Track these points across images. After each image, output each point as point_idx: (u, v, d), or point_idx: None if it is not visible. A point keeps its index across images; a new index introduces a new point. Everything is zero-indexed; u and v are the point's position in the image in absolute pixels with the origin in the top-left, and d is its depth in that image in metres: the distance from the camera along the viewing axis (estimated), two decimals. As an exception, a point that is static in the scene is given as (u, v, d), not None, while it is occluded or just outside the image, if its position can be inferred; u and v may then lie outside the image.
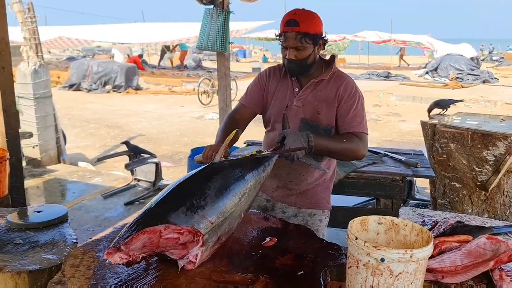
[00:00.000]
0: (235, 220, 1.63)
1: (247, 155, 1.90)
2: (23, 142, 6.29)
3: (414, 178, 4.31)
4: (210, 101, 13.14)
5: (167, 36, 15.84)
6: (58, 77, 19.18)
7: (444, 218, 1.82)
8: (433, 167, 3.56)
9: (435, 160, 3.72)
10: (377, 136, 8.81)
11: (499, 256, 1.51)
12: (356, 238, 1.29)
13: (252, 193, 1.74)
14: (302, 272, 1.48)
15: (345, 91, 2.06)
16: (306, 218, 2.20)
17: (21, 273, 1.52)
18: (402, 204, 4.78)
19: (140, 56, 21.69)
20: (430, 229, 1.75)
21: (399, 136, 9.09)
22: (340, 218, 3.04)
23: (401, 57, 27.71)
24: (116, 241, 1.32)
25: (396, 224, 1.46)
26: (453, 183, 3.52)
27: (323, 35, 2.04)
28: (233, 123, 2.11)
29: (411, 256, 1.23)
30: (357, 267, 1.30)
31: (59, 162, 6.57)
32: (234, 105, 2.59)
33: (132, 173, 5.54)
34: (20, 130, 5.89)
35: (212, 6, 4.82)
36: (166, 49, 21.81)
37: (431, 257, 1.63)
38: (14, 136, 2.69)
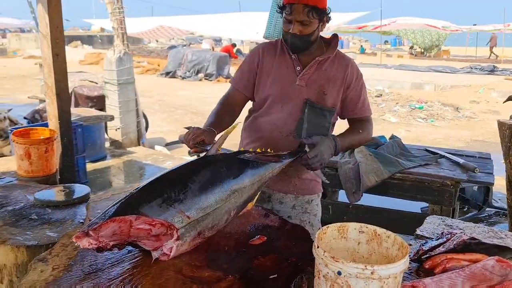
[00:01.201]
0: (222, 217, 1.57)
1: (251, 149, 1.83)
2: (108, 124, 6.81)
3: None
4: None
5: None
6: (158, 65, 20.41)
7: (461, 231, 1.60)
8: (509, 173, 3.17)
9: (511, 165, 3.31)
10: (467, 135, 8.11)
11: (507, 283, 1.30)
12: (318, 246, 1.18)
13: (247, 191, 1.66)
14: (276, 276, 1.40)
15: (352, 74, 1.96)
16: (304, 206, 2.07)
17: (20, 247, 1.64)
18: (477, 211, 4.36)
19: (234, 45, 22.16)
20: (440, 245, 1.56)
21: (493, 136, 8.24)
22: (384, 221, 2.85)
23: (491, 48, 25.20)
24: (86, 226, 1.36)
25: (379, 235, 1.31)
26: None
27: (328, 11, 1.90)
28: (227, 107, 2.00)
29: (372, 273, 1.10)
30: (319, 277, 1.20)
31: (139, 144, 6.99)
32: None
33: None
34: (103, 113, 6.40)
35: (280, -5, 4.74)
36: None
37: (432, 275, 1.46)
38: (66, 119, 2.90)
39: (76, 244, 1.36)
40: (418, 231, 1.85)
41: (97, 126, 6.03)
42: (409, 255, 1.61)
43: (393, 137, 3.39)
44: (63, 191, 2.18)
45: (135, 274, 1.39)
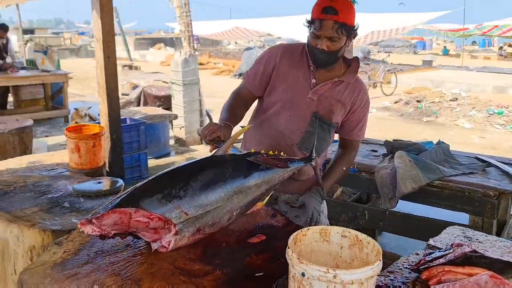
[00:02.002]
0: (223, 216, 1.62)
1: (262, 151, 1.85)
2: (174, 123, 7.16)
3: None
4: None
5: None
6: (233, 66, 20.93)
7: (467, 243, 1.51)
8: None
9: None
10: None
11: (498, 301, 1.22)
12: (289, 247, 1.20)
13: (253, 192, 1.69)
14: (261, 274, 1.43)
15: (361, 100, 2.00)
16: (305, 200, 2.04)
17: (46, 231, 1.82)
18: None
19: (308, 47, 22.06)
20: (442, 256, 1.49)
21: None
22: (421, 229, 2.78)
23: None
24: (90, 215, 1.49)
25: (360, 241, 1.30)
26: None
27: (356, 27, 1.86)
28: (239, 102, 2.03)
29: (334, 277, 1.10)
30: (289, 278, 1.22)
31: (201, 143, 7.25)
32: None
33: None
34: (168, 112, 6.73)
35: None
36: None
37: (422, 284, 1.40)
38: (115, 117, 3.12)
39: (80, 230, 1.51)
40: (431, 241, 1.78)
41: (161, 124, 6.35)
42: (411, 265, 1.57)
43: (439, 143, 3.23)
44: (99, 182, 2.37)
45: (132, 262, 1.49)
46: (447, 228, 1.90)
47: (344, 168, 2.11)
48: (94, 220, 1.45)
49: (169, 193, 1.53)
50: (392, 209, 2.92)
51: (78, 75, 14.37)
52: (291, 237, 1.25)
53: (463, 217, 2.82)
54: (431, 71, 17.27)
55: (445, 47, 33.78)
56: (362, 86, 2.03)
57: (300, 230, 1.30)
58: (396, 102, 11.36)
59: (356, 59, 2.03)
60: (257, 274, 1.44)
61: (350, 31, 1.85)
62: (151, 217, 1.47)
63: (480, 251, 1.45)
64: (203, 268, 1.46)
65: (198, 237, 1.60)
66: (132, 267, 1.46)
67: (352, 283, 1.11)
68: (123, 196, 1.52)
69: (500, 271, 1.41)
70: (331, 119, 1.98)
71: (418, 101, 10.78)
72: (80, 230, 1.47)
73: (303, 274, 1.13)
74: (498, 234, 3.04)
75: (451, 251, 1.53)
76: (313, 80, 1.94)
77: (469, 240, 1.79)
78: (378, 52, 29.10)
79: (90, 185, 2.34)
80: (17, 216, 1.93)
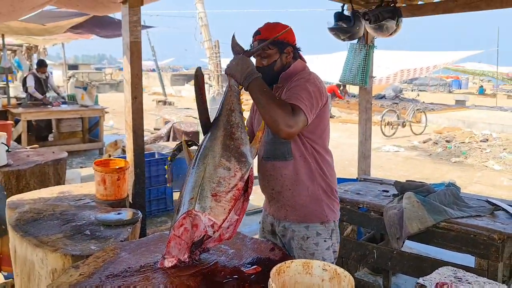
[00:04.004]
0: (215, 168, 1.82)
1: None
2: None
3: None
4: (394, 133, 12.74)
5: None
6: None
7: (450, 283, 1.60)
8: None
9: None
10: None
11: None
12: (270, 278, 1.34)
13: (217, 141, 1.90)
14: (252, 302, 1.57)
15: (295, 80, 2.07)
16: (300, 242, 2.13)
17: (67, 255, 2.02)
18: None
19: (338, 85, 22.31)
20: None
21: None
22: (428, 270, 2.83)
23: None
24: (162, 255, 1.82)
25: (338, 274, 1.43)
26: None
27: (293, 43, 2.10)
28: None
29: (307, 305, 1.23)
30: (271, 306, 1.35)
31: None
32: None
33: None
34: (195, 148, 6.99)
35: (356, 41, 4.90)
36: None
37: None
38: (140, 152, 3.35)
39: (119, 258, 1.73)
40: (420, 280, 1.87)
41: (188, 159, 6.61)
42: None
43: (449, 185, 3.29)
44: (119, 213, 2.57)
45: (138, 286, 1.66)
46: (440, 269, 1.98)
47: (278, 100, 1.90)
48: (165, 256, 1.79)
49: (179, 204, 1.83)
50: (401, 249, 2.99)
51: (115, 109, 15.01)
52: (274, 268, 1.39)
53: (470, 260, 2.85)
54: (463, 111, 17.08)
55: (481, 86, 33.27)
56: (302, 73, 2.12)
57: (284, 262, 1.44)
58: (425, 142, 11.29)
59: (299, 63, 2.17)
60: (248, 302, 1.57)
61: (280, 46, 2.09)
62: (181, 222, 1.75)
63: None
64: (201, 294, 1.61)
65: (227, 200, 1.78)
66: (136, 290, 1.63)
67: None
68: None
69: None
70: None
71: (447, 141, 10.70)
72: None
73: (281, 302, 1.27)
74: (509, 278, 3.05)
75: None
76: None
77: (459, 281, 1.87)
78: (412, 90, 29.03)
79: (111, 215, 2.55)
80: (43, 241, 2.14)
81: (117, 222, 2.43)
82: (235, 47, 2.12)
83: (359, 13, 4.44)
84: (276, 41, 2.08)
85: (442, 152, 10.09)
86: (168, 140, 7.73)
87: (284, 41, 2.11)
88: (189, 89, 28.92)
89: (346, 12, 4.68)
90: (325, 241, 2.17)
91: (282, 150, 2.13)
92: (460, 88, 35.33)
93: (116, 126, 13.49)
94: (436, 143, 10.77)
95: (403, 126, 13.08)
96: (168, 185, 1.91)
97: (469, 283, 1.86)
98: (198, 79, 1.96)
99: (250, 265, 1.84)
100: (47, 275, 2.06)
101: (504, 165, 8.84)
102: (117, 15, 6.42)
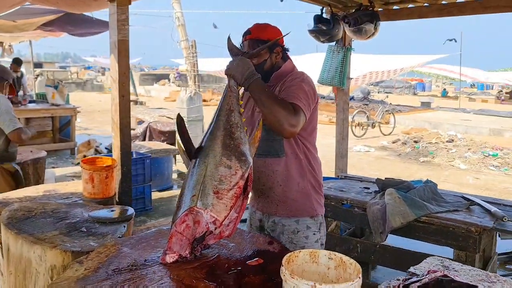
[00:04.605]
0: (216, 166, 1.87)
1: None
2: (177, 157, 7.39)
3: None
4: (363, 134, 13.05)
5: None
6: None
7: (440, 270, 1.72)
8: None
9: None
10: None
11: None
12: (282, 265, 1.41)
13: (218, 141, 1.92)
14: (258, 291, 1.64)
15: (289, 80, 2.13)
16: (290, 236, 2.21)
17: (67, 252, 2.03)
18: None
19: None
20: (418, 280, 1.69)
21: None
22: (409, 262, 2.96)
23: None
24: (163, 250, 1.84)
25: (344, 262, 1.51)
26: None
27: (282, 44, 2.17)
28: None
29: (319, 290, 1.30)
30: (283, 292, 1.42)
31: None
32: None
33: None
34: (172, 147, 6.98)
35: (334, 43, 5.04)
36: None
37: (399, 305, 1.60)
38: (127, 150, 3.35)
39: (121, 253, 1.77)
40: (411, 269, 1.98)
41: (165, 158, 6.60)
42: (391, 288, 1.77)
43: (427, 181, 3.46)
44: (113, 210, 2.58)
45: (144, 279, 1.70)
46: (427, 258, 2.10)
47: (280, 100, 1.97)
48: (167, 251, 1.81)
49: (179, 201, 1.89)
50: (383, 243, 3.12)
51: (84, 109, 14.72)
52: (285, 257, 1.47)
53: (448, 252, 3.01)
54: (429, 113, 17.67)
55: (444, 89, 34.46)
56: (293, 72, 2.19)
57: (293, 252, 1.52)
58: (394, 142, 11.64)
59: (288, 63, 2.25)
60: (254, 291, 1.64)
61: (270, 45, 2.14)
62: (183, 219, 1.80)
63: (450, 276, 1.65)
64: (208, 285, 1.66)
65: (228, 194, 1.84)
66: (146, 283, 1.66)
67: (335, 296, 1.32)
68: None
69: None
70: None
71: (415, 142, 11.06)
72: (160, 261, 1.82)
73: (294, 288, 1.34)
74: (483, 269, 3.23)
75: (426, 276, 1.74)
76: None
77: (446, 269, 1.99)
78: (378, 92, 29.75)
79: (105, 212, 2.56)
80: (40, 238, 2.14)
81: (111, 220, 2.45)
82: (233, 49, 2.16)
83: (338, 16, 4.58)
84: (264, 41, 2.14)
85: (411, 152, 10.44)
86: (144, 139, 7.68)
87: (270, 40, 2.17)
88: (158, 89, 28.68)
89: (324, 15, 4.81)
90: (314, 234, 2.27)
91: (275, 147, 2.20)
92: (424, 91, 36.45)
93: (84, 125, 13.24)
94: (405, 144, 11.12)
95: (373, 127, 13.42)
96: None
97: (455, 270, 1.98)
98: (181, 124, 2.06)
99: (252, 258, 1.90)
100: (45, 272, 2.07)
101: (469, 164, 9.24)
102: (95, 14, 6.35)
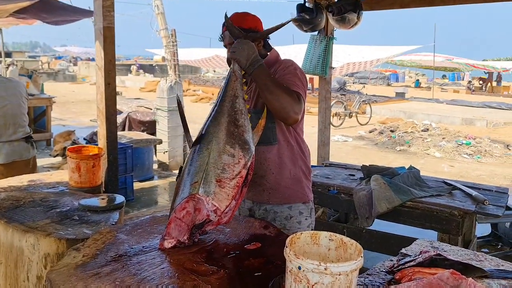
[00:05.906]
0: (219, 154, 1.86)
1: None
2: (157, 148, 7.34)
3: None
4: (341, 124, 13.21)
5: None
6: (212, 94, 21.32)
7: (432, 248, 1.79)
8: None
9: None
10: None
11: None
12: (286, 246, 1.44)
13: (222, 127, 1.91)
14: (260, 274, 1.67)
15: (281, 68, 2.13)
16: (283, 222, 2.24)
17: (61, 240, 2.01)
18: (509, 249, 4.35)
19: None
20: (412, 260, 1.76)
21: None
22: (394, 246, 3.03)
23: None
24: (161, 236, 1.83)
25: (345, 243, 1.55)
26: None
27: (256, 30, 2.14)
28: None
29: (325, 269, 1.34)
30: (286, 273, 1.45)
31: (184, 168, 7.44)
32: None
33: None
34: (152, 137, 6.92)
35: (316, 33, 5.07)
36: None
37: (396, 283, 1.66)
38: (113, 139, 3.31)
39: (118, 239, 1.78)
40: (403, 250, 2.04)
41: (146, 148, 6.54)
42: (386, 268, 1.83)
43: (411, 168, 3.55)
44: (103, 199, 2.56)
45: (145, 264, 1.70)
46: (417, 240, 2.17)
47: (285, 87, 1.99)
48: (165, 237, 1.80)
49: (179, 187, 1.88)
50: (369, 228, 3.20)
51: (57, 99, 14.39)
52: (288, 239, 1.49)
53: (433, 235, 3.11)
54: (403, 103, 18.01)
55: (417, 80, 35.12)
56: (282, 60, 2.20)
57: (294, 234, 1.55)
58: (371, 132, 11.83)
59: (273, 51, 2.26)
60: (256, 274, 1.66)
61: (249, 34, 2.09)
62: (183, 205, 1.80)
63: (443, 255, 1.72)
64: (209, 269, 1.68)
65: (230, 187, 1.84)
66: (146, 269, 1.67)
67: (339, 274, 1.35)
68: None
69: (460, 271, 1.67)
70: (261, 106, 2.11)
71: (391, 131, 11.28)
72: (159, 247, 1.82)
73: (299, 268, 1.37)
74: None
75: (420, 256, 1.81)
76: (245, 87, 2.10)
77: (436, 249, 2.07)
78: (354, 83, 30.11)
79: (95, 201, 2.53)
80: (31, 227, 2.11)
81: (102, 208, 2.43)
82: (234, 30, 2.10)
83: (321, 5, 4.61)
84: (245, 30, 2.12)
85: (388, 141, 10.64)
86: (124, 129, 7.58)
87: (255, 31, 2.17)
88: (133, 79, 28.23)
89: (307, 4, 4.84)
90: (306, 219, 2.31)
91: (268, 135, 2.19)
92: (398, 81, 37.06)
93: (58, 116, 12.96)
94: (382, 133, 11.32)
95: (350, 117, 13.60)
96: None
97: (445, 251, 2.06)
98: (180, 105, 2.12)
99: (249, 242, 1.93)
100: (38, 260, 2.04)
101: (444, 153, 9.49)
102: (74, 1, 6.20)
